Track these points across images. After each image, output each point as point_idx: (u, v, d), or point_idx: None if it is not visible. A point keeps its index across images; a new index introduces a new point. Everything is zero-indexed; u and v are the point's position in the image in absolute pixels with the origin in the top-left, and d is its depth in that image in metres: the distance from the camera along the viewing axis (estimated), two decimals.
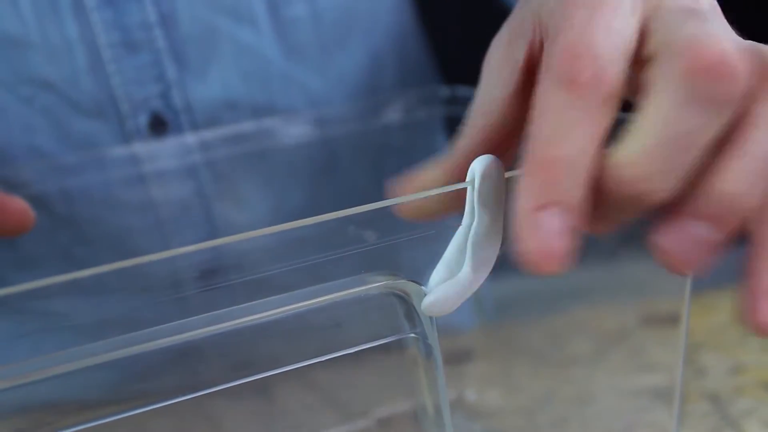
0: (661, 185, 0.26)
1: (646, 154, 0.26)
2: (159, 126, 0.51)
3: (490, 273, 0.30)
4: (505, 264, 0.31)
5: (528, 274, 0.40)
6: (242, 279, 0.29)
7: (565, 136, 0.26)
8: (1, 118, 0.47)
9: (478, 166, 0.30)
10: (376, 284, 0.30)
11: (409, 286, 0.30)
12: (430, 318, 0.31)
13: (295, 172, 0.53)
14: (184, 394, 0.31)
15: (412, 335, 0.31)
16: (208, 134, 0.51)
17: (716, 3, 0.29)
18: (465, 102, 0.49)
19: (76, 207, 0.51)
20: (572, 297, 0.53)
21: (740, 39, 0.28)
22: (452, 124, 0.51)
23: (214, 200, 0.52)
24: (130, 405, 0.31)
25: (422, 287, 0.30)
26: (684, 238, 0.27)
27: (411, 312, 0.31)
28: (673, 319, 0.45)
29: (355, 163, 0.53)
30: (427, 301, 0.30)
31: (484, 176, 0.29)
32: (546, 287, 0.50)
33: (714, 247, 0.27)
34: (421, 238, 0.30)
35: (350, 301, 0.30)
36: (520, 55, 0.31)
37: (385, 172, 0.52)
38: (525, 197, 0.26)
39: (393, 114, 0.52)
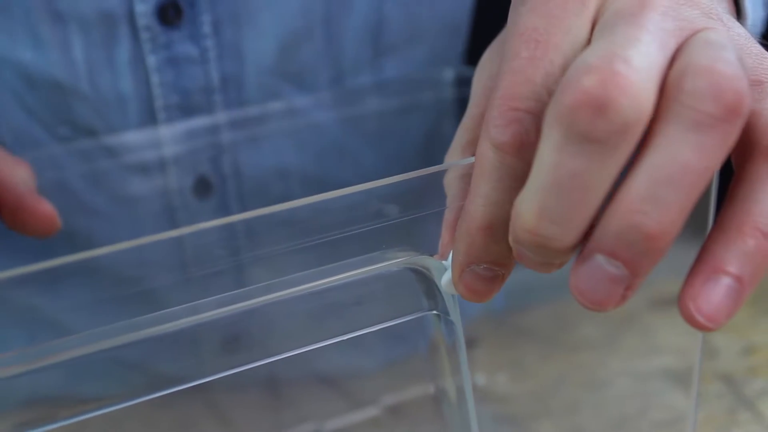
0: (555, 232, 0.25)
1: (536, 202, 0.25)
2: (204, 189, 0.49)
3: None
4: None
5: None
6: (262, 253, 0.29)
7: (494, 202, 0.26)
8: (32, 153, 0.46)
9: None
10: (396, 260, 0.30)
11: (430, 262, 0.30)
12: (452, 294, 0.30)
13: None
14: (195, 380, 0.31)
15: (434, 312, 0.31)
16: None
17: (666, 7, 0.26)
18: (470, 84, 0.49)
19: (97, 242, 0.49)
20: None
21: (663, 51, 0.25)
22: (462, 106, 0.51)
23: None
24: (144, 391, 0.30)
25: (443, 262, 0.30)
26: (590, 276, 0.25)
27: (432, 289, 0.30)
28: None
29: (364, 146, 0.52)
30: (446, 278, 0.30)
31: None
32: (553, 274, 0.49)
33: (625, 283, 0.25)
34: (443, 212, 0.30)
35: (370, 279, 0.30)
36: (494, 73, 0.31)
37: (391, 155, 0.52)
38: (456, 252, 0.28)
39: (399, 97, 0.51)
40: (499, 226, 0.27)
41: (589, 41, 0.26)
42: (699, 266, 0.26)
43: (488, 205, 0.27)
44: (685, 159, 0.24)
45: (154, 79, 0.47)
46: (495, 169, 0.26)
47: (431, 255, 0.30)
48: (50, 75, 0.46)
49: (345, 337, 0.30)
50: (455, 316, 0.30)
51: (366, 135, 0.51)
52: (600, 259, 0.24)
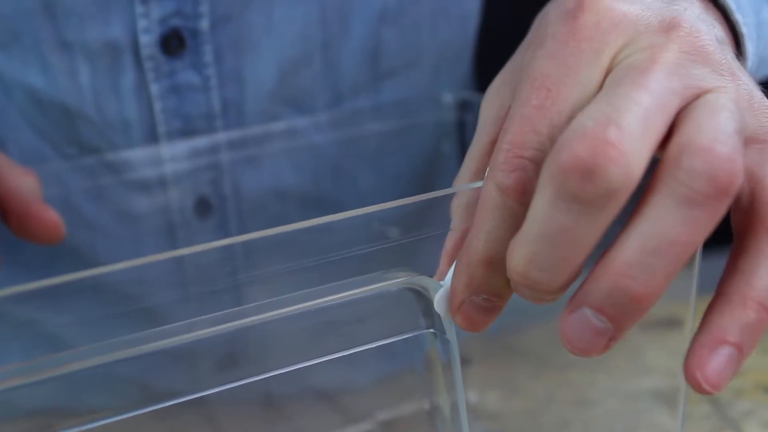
0: (543, 278, 0.26)
1: (527, 249, 0.26)
2: (204, 209, 0.50)
3: None
4: None
5: None
6: (266, 271, 0.30)
7: (494, 239, 0.28)
8: (38, 168, 0.47)
9: None
10: (395, 281, 0.31)
11: (428, 282, 0.31)
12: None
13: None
14: (192, 395, 0.32)
15: (431, 331, 0.32)
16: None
17: (671, 61, 0.27)
18: (472, 108, 0.50)
19: (100, 257, 0.50)
20: None
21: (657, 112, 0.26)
22: (460, 129, 0.52)
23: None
24: (141, 404, 0.31)
25: (441, 283, 0.31)
26: (577, 326, 0.26)
27: (430, 308, 0.31)
28: (669, 323, 0.46)
29: (362, 167, 0.53)
30: (437, 297, 0.31)
31: None
32: None
33: (608, 335, 0.26)
34: (444, 234, 0.31)
35: (370, 298, 0.31)
36: (506, 101, 0.32)
37: (390, 176, 0.53)
38: (456, 282, 0.29)
39: (398, 119, 0.52)
40: (499, 261, 0.28)
41: (599, 90, 0.27)
42: (704, 337, 0.28)
43: (490, 241, 0.28)
44: (675, 232, 0.25)
45: (157, 105, 0.48)
46: (497, 209, 0.28)
47: (430, 276, 0.31)
48: (58, 99, 0.48)
49: (344, 354, 0.31)
50: (451, 335, 0.31)
51: (363, 156, 0.52)
52: (587, 312, 0.26)
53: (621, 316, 0.26)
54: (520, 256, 0.26)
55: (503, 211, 0.28)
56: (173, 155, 0.49)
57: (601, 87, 0.28)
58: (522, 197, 0.27)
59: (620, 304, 0.26)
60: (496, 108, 0.33)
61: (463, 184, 0.33)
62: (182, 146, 0.49)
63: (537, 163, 0.27)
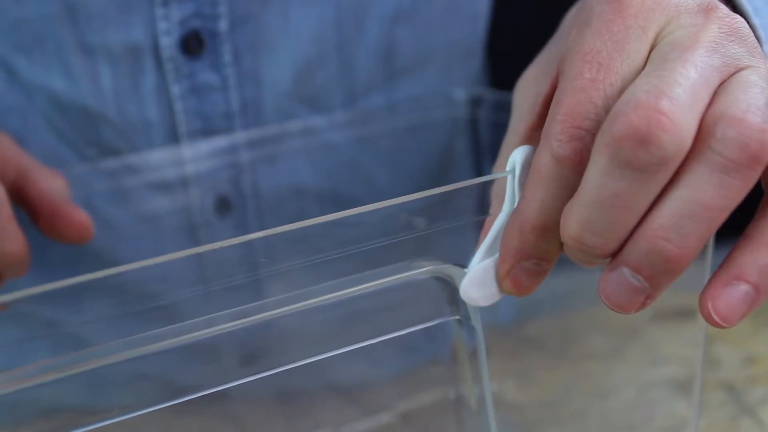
0: (596, 242, 0.28)
1: (581, 215, 0.28)
2: (224, 208, 0.51)
3: None
4: None
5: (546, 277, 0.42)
6: (293, 265, 0.30)
7: (549, 207, 0.29)
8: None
9: (518, 156, 0.31)
10: (421, 270, 0.32)
11: (453, 270, 0.32)
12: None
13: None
14: (215, 388, 0.32)
15: (457, 318, 0.32)
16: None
17: (710, 40, 0.29)
18: (485, 105, 0.51)
19: (121, 258, 0.51)
20: (587, 297, 0.54)
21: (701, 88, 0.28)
22: (473, 126, 0.52)
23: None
24: (163, 399, 0.31)
25: (465, 270, 0.32)
26: (616, 284, 0.28)
27: (455, 296, 0.32)
28: (683, 314, 0.46)
29: (377, 164, 0.53)
30: (463, 284, 0.32)
31: (525, 165, 0.31)
32: (561, 289, 0.51)
33: (644, 294, 0.28)
34: (468, 225, 0.32)
35: (397, 287, 0.31)
36: (543, 89, 0.34)
37: (404, 173, 0.53)
38: (508, 248, 0.31)
39: (411, 117, 0.53)
40: (551, 227, 0.29)
41: (644, 66, 0.29)
42: (723, 271, 0.29)
43: (543, 209, 0.29)
44: (709, 197, 0.27)
45: (178, 106, 0.49)
46: (552, 179, 0.29)
47: (455, 264, 0.32)
48: (80, 102, 0.48)
49: (372, 342, 0.31)
50: (477, 322, 0.32)
51: (378, 154, 0.53)
52: (625, 272, 0.28)
53: (656, 276, 0.28)
54: (574, 221, 0.28)
55: (558, 180, 0.29)
56: (193, 155, 0.50)
57: (646, 62, 0.29)
58: (578, 166, 0.28)
59: (656, 264, 0.27)
60: (531, 96, 0.35)
61: (501, 171, 0.34)
62: (201, 146, 0.50)
63: (592, 133, 0.28)
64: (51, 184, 0.42)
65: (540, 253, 0.30)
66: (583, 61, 0.29)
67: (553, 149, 0.29)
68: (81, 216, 0.41)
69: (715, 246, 0.41)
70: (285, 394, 0.51)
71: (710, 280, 0.29)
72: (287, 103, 0.50)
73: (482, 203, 0.34)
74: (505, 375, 0.53)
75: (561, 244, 0.30)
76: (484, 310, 0.33)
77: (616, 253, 0.28)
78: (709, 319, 0.29)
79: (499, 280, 0.31)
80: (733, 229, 0.31)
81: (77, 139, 0.49)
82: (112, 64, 0.48)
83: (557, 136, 0.29)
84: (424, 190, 0.31)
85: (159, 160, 0.49)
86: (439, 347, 0.36)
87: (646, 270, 0.28)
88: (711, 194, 0.27)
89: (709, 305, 0.28)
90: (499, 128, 0.37)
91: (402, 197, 0.30)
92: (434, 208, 0.32)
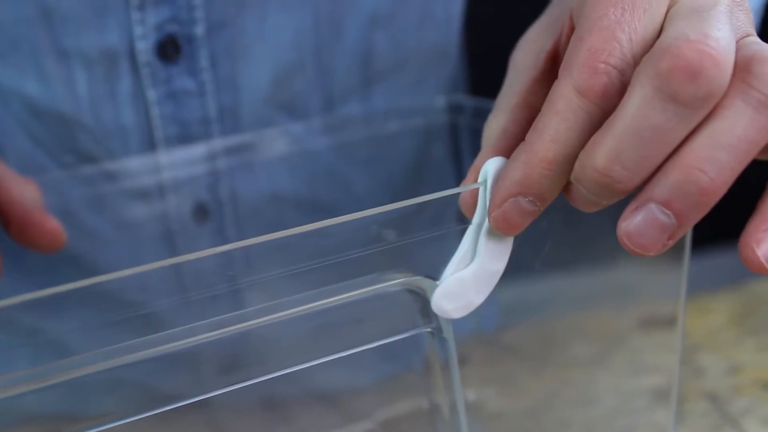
0: (624, 175, 0.28)
1: (612, 146, 0.28)
2: (201, 215, 0.51)
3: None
4: (504, 274, 0.32)
5: (527, 284, 0.41)
6: (265, 277, 0.30)
7: (563, 140, 0.29)
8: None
9: (491, 167, 0.31)
10: (393, 282, 0.31)
11: (425, 283, 0.31)
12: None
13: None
14: (196, 397, 0.32)
15: (428, 330, 0.32)
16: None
17: None
18: (464, 111, 0.51)
19: (99, 264, 0.50)
20: (571, 303, 0.54)
21: (743, 35, 0.29)
22: (453, 132, 0.52)
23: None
24: (144, 408, 0.31)
25: (437, 282, 0.31)
26: (641, 222, 0.28)
27: (427, 308, 0.32)
28: (669, 322, 0.46)
29: (356, 171, 0.53)
30: (434, 296, 0.31)
31: (497, 177, 0.31)
32: (544, 295, 0.51)
33: (670, 231, 0.28)
34: (440, 236, 0.31)
35: (369, 299, 0.31)
36: (547, 46, 0.34)
37: (383, 179, 0.53)
38: (508, 179, 0.30)
39: (390, 124, 0.53)
40: (559, 163, 0.29)
41: (662, 24, 0.29)
42: (762, 216, 0.29)
43: (556, 142, 0.29)
44: (744, 130, 0.28)
45: (154, 111, 0.48)
46: (572, 112, 0.29)
47: (426, 276, 0.32)
48: (55, 107, 0.48)
49: (344, 354, 0.31)
50: (449, 334, 0.32)
51: (357, 160, 0.52)
52: (653, 208, 0.28)
53: (687, 209, 0.28)
54: (604, 152, 0.28)
55: (578, 114, 0.29)
56: (170, 162, 0.49)
57: (663, 23, 0.30)
58: (600, 99, 0.29)
59: (689, 196, 0.28)
60: (534, 52, 0.35)
61: (503, 117, 0.34)
62: (179, 153, 0.49)
63: (619, 71, 0.29)
64: (23, 191, 0.41)
65: (539, 190, 0.30)
66: (607, 4, 0.29)
67: (576, 83, 0.29)
68: (52, 224, 0.41)
69: (692, 250, 0.41)
70: (265, 401, 0.51)
71: (749, 226, 0.29)
72: (265, 109, 0.50)
73: (457, 214, 0.33)
74: (487, 383, 0.53)
75: (562, 184, 0.30)
76: (465, 317, 0.33)
77: (632, 190, 0.28)
78: (753, 260, 0.29)
79: (489, 212, 0.31)
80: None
81: (53, 145, 0.49)
82: (87, 69, 0.47)
83: (581, 69, 0.29)
84: (403, 197, 0.31)
85: (136, 166, 0.49)
86: (414, 357, 0.36)
87: (677, 203, 0.28)
88: (746, 127, 0.28)
89: (754, 247, 0.29)
90: (479, 135, 0.37)
91: (370, 210, 0.30)
92: (405, 220, 0.31)
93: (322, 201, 0.52)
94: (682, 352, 0.45)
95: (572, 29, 0.32)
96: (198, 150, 0.49)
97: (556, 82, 0.29)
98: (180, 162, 0.49)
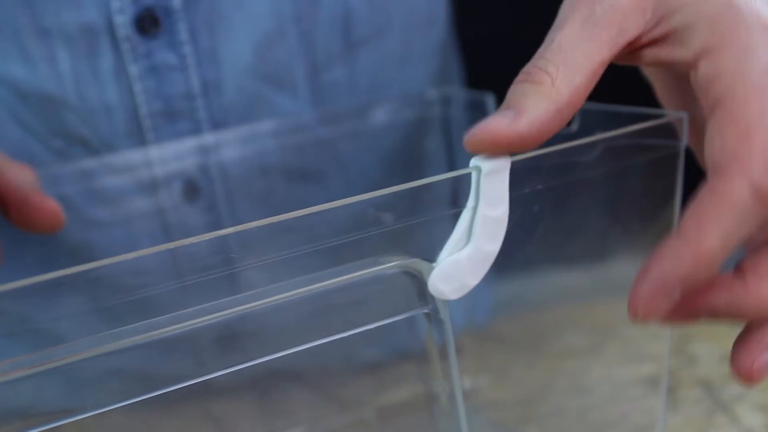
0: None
1: None
2: (192, 192, 0.51)
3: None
4: (498, 266, 0.32)
5: (521, 276, 0.42)
6: (264, 261, 0.30)
7: (734, 241, 0.28)
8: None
9: (482, 163, 0.31)
10: (390, 264, 0.32)
11: (422, 265, 0.32)
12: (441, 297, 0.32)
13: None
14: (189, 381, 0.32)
15: (425, 311, 0.32)
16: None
17: None
18: (454, 104, 0.51)
19: (91, 247, 0.51)
20: (564, 294, 0.54)
21: None
22: (444, 125, 0.53)
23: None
24: (138, 393, 0.31)
25: (433, 265, 0.32)
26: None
27: (424, 290, 0.32)
28: None
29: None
30: (431, 277, 0.32)
31: (492, 172, 0.31)
32: (538, 286, 0.51)
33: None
34: (436, 219, 0.32)
35: (366, 282, 0.31)
36: (594, 56, 0.31)
37: (376, 174, 0.54)
38: (667, 273, 0.28)
39: (382, 115, 0.53)
40: (723, 258, 0.28)
41: None
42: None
43: (726, 240, 0.28)
44: None
45: (137, 87, 0.49)
46: (745, 213, 0.28)
47: (423, 259, 0.32)
48: (40, 89, 0.48)
49: (342, 336, 0.31)
50: (445, 315, 0.32)
51: (343, 126, 0.53)
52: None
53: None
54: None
55: (752, 216, 0.28)
56: (157, 139, 0.50)
57: None
58: None
59: None
60: (581, 51, 0.31)
61: (555, 96, 0.30)
62: (167, 131, 0.49)
63: None
64: (19, 175, 0.41)
65: (697, 282, 0.29)
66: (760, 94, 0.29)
67: (756, 183, 0.28)
68: (51, 204, 0.41)
69: None
70: (260, 387, 0.51)
71: (740, 347, 0.30)
72: (249, 80, 0.50)
73: (453, 199, 0.34)
74: (482, 373, 0.53)
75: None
76: (458, 310, 0.34)
77: None
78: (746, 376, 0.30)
79: (632, 300, 0.29)
80: None
81: (42, 129, 0.49)
82: (69, 47, 0.47)
83: (761, 171, 0.28)
84: (394, 171, 0.31)
85: (124, 146, 0.49)
86: (413, 342, 0.36)
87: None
88: None
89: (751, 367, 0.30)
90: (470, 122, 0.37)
91: (367, 194, 0.30)
92: (402, 203, 0.31)
93: (310, 169, 0.52)
94: (673, 341, 0.45)
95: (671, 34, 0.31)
96: (185, 127, 0.50)
97: (725, 173, 0.28)
98: (167, 140, 0.49)
